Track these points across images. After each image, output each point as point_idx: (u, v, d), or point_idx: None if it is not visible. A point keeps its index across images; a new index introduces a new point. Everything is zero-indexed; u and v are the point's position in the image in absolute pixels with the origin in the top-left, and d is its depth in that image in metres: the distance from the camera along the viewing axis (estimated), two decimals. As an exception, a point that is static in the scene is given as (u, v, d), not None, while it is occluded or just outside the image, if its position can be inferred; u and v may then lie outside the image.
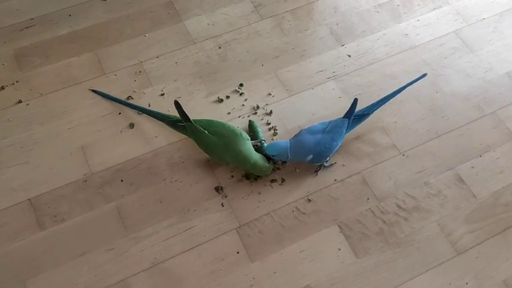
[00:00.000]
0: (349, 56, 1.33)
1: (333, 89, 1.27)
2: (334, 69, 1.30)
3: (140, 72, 1.27)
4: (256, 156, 1.07)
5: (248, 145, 1.06)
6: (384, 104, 1.17)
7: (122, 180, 1.11)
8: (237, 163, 1.05)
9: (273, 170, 1.09)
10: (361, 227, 1.07)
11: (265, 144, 1.12)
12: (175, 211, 1.07)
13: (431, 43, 1.36)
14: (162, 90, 1.25)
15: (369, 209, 1.09)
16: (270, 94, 1.25)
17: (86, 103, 1.22)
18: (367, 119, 1.16)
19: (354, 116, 1.12)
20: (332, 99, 1.25)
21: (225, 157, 1.05)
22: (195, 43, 1.33)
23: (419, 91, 1.26)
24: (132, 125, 1.19)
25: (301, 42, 1.35)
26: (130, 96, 1.23)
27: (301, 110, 1.22)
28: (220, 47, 1.33)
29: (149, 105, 1.21)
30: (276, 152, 1.06)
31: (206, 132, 1.04)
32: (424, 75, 1.23)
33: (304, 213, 1.08)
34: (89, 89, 1.22)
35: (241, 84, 1.26)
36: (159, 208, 1.07)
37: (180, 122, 1.08)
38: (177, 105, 1.05)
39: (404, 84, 1.20)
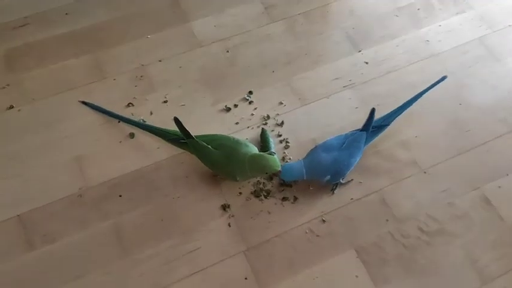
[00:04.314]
0: (367, 63, 1.26)
1: (350, 99, 1.20)
2: (350, 77, 1.23)
3: (142, 76, 1.22)
4: (256, 150, 1.00)
5: (254, 151, 1.00)
6: (402, 112, 1.10)
7: (120, 196, 1.05)
8: (240, 171, 0.98)
9: (278, 172, 0.99)
10: (380, 251, 1.00)
11: (275, 157, 1.05)
12: (178, 231, 1.01)
13: (454, 51, 1.29)
14: (165, 97, 1.19)
15: (388, 231, 1.02)
16: (282, 103, 1.19)
17: (83, 110, 1.16)
18: (385, 131, 1.09)
19: (372, 127, 1.05)
20: (348, 109, 1.18)
21: (231, 171, 0.99)
22: (201, 46, 1.28)
23: (441, 103, 1.20)
24: (132, 135, 1.13)
25: (315, 47, 1.29)
26: (130, 103, 1.17)
27: (315, 121, 1.16)
28: (228, 51, 1.27)
29: (151, 113, 1.16)
30: (292, 178, 1.02)
31: (210, 147, 0.99)
32: (444, 78, 1.16)
33: (318, 236, 1.01)
34: (79, 101, 1.16)
35: (250, 92, 1.20)
36: (160, 227, 1.01)
37: (182, 139, 1.02)
38: (177, 121, 1.00)
39: (423, 89, 1.14)
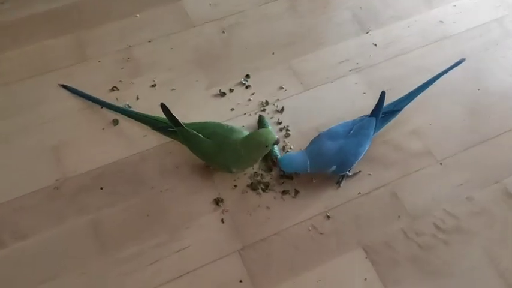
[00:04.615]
0: (375, 45, 1.22)
1: (356, 83, 1.15)
2: (357, 60, 1.19)
3: (129, 58, 1.17)
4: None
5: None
6: (415, 97, 1.05)
7: (101, 188, 0.99)
8: (235, 160, 0.93)
9: (277, 141, 0.91)
10: (392, 251, 0.94)
11: (276, 149, 1.01)
12: (165, 228, 0.95)
13: (470, 32, 1.24)
14: (154, 81, 1.14)
15: (401, 229, 0.96)
16: (282, 88, 1.14)
17: (62, 94, 1.11)
18: (396, 119, 1.04)
19: (382, 113, 1.00)
20: (355, 95, 1.13)
21: (224, 161, 0.94)
22: (194, 26, 1.23)
23: (457, 88, 1.14)
24: (116, 122, 1.07)
25: (318, 28, 1.24)
26: (115, 87, 1.13)
27: (319, 107, 1.11)
28: (223, 32, 1.23)
29: (138, 98, 1.12)
30: (293, 169, 0.96)
31: (200, 135, 0.94)
32: (462, 60, 1.11)
33: (322, 233, 0.95)
34: (58, 84, 1.12)
35: (247, 76, 1.15)
36: (145, 223, 0.95)
37: (170, 127, 0.98)
38: (165, 108, 0.95)
39: (439, 72, 1.09)
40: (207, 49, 1.19)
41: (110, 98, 1.09)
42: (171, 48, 1.19)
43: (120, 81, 1.13)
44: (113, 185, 0.99)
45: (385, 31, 1.24)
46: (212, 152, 0.94)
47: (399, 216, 0.97)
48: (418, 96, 1.06)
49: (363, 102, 1.10)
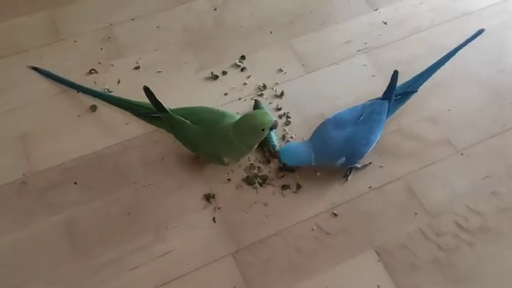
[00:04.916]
0: (385, 23, 1.16)
1: (365, 65, 1.09)
2: (365, 39, 1.13)
3: (109, 38, 1.11)
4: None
5: None
6: (430, 76, 1.00)
7: (75, 183, 0.93)
8: (226, 149, 0.87)
9: (274, 125, 0.84)
10: (408, 254, 0.88)
11: (274, 138, 0.94)
12: (149, 228, 0.89)
13: (490, 9, 1.18)
14: (137, 63, 1.09)
15: (419, 228, 0.90)
16: (281, 70, 1.08)
17: (33, 77, 1.05)
18: (409, 103, 0.99)
19: (395, 95, 0.94)
20: (363, 77, 1.08)
21: (214, 150, 0.88)
22: (183, 3, 1.18)
23: (478, 70, 1.08)
24: (94, 108, 1.01)
25: (321, 5, 1.19)
26: (93, 70, 1.07)
27: (323, 91, 1.05)
28: (216, 9, 1.18)
29: (119, 82, 1.06)
30: (295, 161, 0.90)
31: (188, 122, 0.89)
32: (481, 31, 1.04)
33: (328, 233, 0.90)
34: (28, 66, 1.06)
35: (242, 57, 1.10)
36: (125, 223, 0.90)
37: (154, 113, 0.92)
38: (148, 91, 0.89)
39: (456, 46, 1.03)
40: (197, 28, 1.14)
41: (87, 82, 1.04)
42: (158, 27, 1.13)
43: (99, 63, 1.08)
44: (88, 180, 0.93)
45: (396, 8, 1.18)
46: (200, 139, 0.88)
47: (416, 214, 0.92)
48: (434, 79, 1.01)
49: (373, 86, 1.04)
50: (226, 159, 0.88)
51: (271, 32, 1.13)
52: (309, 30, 1.14)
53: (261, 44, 1.11)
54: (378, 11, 1.17)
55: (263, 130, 0.82)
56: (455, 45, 1.06)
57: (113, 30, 1.12)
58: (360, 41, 1.12)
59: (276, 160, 0.94)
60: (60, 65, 1.06)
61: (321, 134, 0.90)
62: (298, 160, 0.89)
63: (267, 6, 1.18)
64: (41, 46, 1.09)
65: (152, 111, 0.92)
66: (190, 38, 1.12)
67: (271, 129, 0.84)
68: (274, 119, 0.83)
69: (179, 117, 0.88)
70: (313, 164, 0.88)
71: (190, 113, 0.90)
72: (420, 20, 1.15)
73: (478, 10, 1.17)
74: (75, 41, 1.10)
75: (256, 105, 1.00)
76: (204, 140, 0.88)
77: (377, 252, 0.87)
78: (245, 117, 0.85)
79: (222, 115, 0.88)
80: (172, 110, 0.90)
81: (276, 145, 0.93)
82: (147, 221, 0.89)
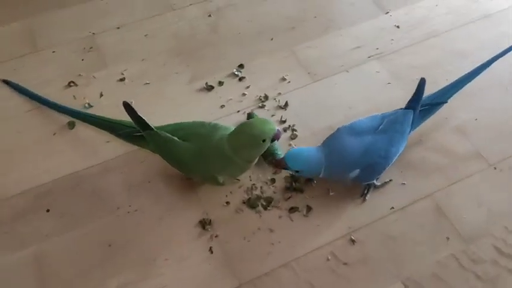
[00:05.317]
0: (398, 26, 1.11)
1: (378, 72, 1.04)
2: (377, 44, 1.08)
3: (91, 48, 1.07)
4: None
5: None
6: (462, 87, 0.93)
7: (47, 211, 0.86)
8: (221, 166, 0.80)
9: (277, 134, 0.76)
10: (442, 285, 0.79)
11: (277, 149, 0.86)
12: (133, 262, 0.82)
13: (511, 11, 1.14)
14: (122, 74, 1.03)
15: (452, 255, 0.82)
16: (285, 79, 1.03)
17: (3, 92, 1.00)
18: (434, 114, 0.92)
19: (421, 106, 0.87)
20: (377, 85, 1.02)
21: (207, 169, 0.81)
22: (173, 9, 1.15)
23: (505, 75, 1.02)
24: (71, 124, 0.95)
25: (325, 9, 1.16)
26: (72, 82, 1.02)
27: (332, 101, 0.99)
28: (210, 15, 1.14)
29: (101, 95, 1.01)
30: (302, 166, 0.81)
31: (175, 139, 0.81)
32: None
33: (345, 264, 0.82)
34: (1, 80, 1.02)
35: (240, 65, 1.05)
36: (106, 257, 0.82)
37: (138, 131, 0.85)
38: (128, 107, 0.81)
39: (493, 56, 0.97)
40: (189, 35, 1.10)
41: (65, 96, 0.99)
42: (146, 35, 1.09)
43: (80, 75, 1.03)
44: (63, 206, 0.86)
45: (409, 11, 1.14)
46: (191, 158, 0.81)
47: (448, 238, 0.84)
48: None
49: (389, 94, 0.99)
50: (222, 179, 0.82)
51: (272, 39, 1.09)
52: (314, 36, 1.10)
53: (260, 52, 1.07)
54: (389, 14, 1.13)
55: (264, 141, 0.73)
56: (476, 49, 1.01)
57: (95, 40, 1.08)
58: (371, 47, 1.07)
59: (284, 179, 0.86)
60: (36, 77, 1.01)
61: (334, 141, 0.83)
62: (306, 165, 0.81)
63: (266, 11, 1.15)
64: (16, 58, 1.05)
65: (136, 130, 0.85)
66: (182, 47, 1.08)
67: (273, 140, 0.74)
68: (277, 128, 0.74)
69: (165, 133, 0.81)
70: (321, 174, 0.80)
71: (178, 128, 0.83)
72: (436, 23, 1.11)
73: (497, 12, 1.14)
74: (53, 52, 1.06)
75: (250, 118, 0.94)
76: (195, 158, 0.81)
77: (405, 285, 0.80)
78: (242, 127, 0.77)
79: (214, 127, 0.81)
80: (157, 128, 0.83)
81: (281, 154, 0.84)
82: (131, 254, 0.82)
